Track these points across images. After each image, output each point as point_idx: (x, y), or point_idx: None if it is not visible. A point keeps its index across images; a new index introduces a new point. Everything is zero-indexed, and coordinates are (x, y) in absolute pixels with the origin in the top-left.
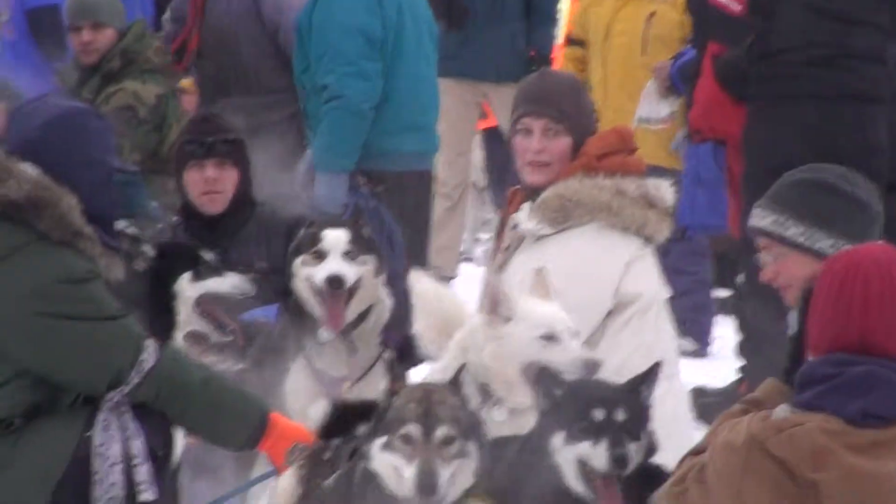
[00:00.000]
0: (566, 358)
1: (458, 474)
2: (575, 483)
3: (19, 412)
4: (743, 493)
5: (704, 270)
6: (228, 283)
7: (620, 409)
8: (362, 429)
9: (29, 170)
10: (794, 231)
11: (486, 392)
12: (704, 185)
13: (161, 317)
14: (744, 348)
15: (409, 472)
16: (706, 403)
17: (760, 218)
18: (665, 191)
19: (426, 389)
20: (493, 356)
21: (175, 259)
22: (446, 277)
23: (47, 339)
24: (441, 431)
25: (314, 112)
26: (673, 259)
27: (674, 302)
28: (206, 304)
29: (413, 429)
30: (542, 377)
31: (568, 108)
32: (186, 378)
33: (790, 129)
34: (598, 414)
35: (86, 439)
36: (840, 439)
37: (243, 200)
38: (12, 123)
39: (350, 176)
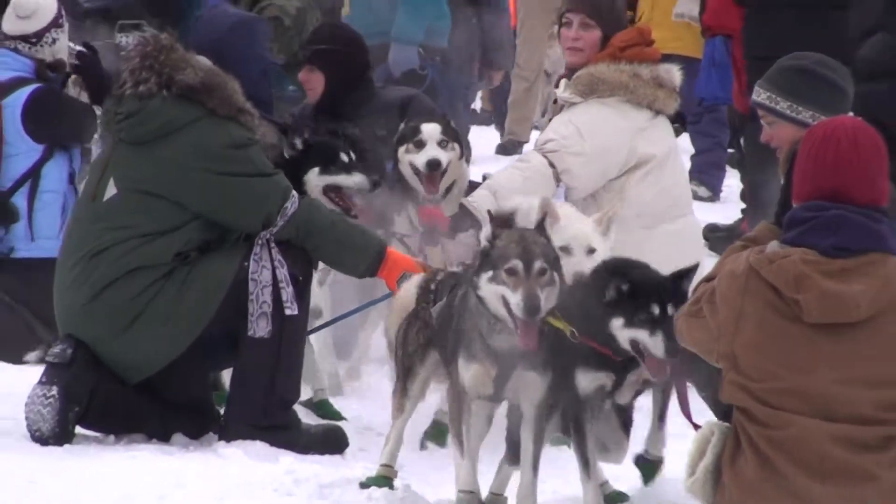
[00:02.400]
0: (571, 270)
1: (548, 298)
2: (627, 349)
3: (194, 247)
4: (743, 309)
5: (723, 136)
6: (352, 180)
7: (671, 304)
8: (463, 268)
9: (203, 60)
10: (783, 105)
11: None
12: (717, 67)
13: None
14: (745, 195)
15: (516, 298)
16: (717, 237)
17: (758, 95)
18: (674, 74)
19: (522, 232)
20: None
21: (316, 152)
22: (520, 142)
23: (216, 192)
24: (538, 264)
25: None
26: (702, 125)
27: (696, 158)
28: (329, 192)
29: (516, 263)
30: (615, 274)
31: (602, 7)
32: (320, 221)
33: (774, 28)
34: (655, 309)
35: (244, 267)
36: (816, 267)
37: (339, 93)
38: (197, 27)
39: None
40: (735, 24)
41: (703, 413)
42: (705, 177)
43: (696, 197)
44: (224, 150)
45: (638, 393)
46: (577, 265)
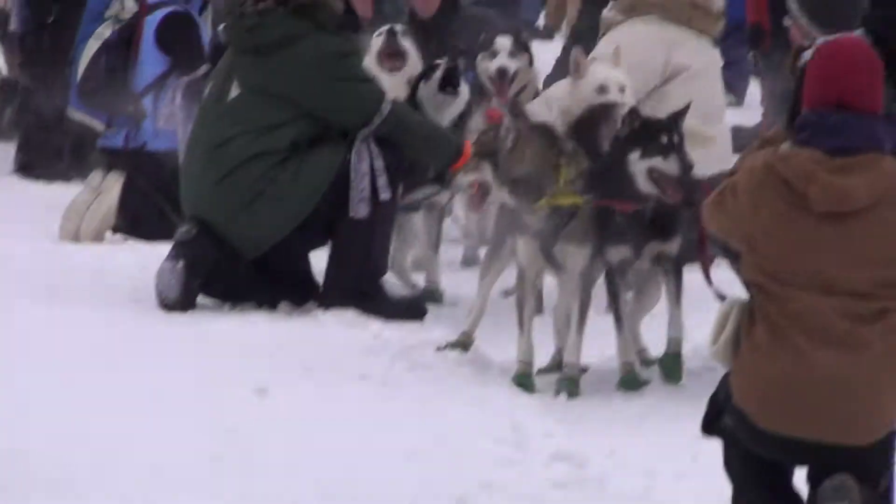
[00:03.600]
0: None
1: None
2: (644, 185)
3: (305, 139)
4: (760, 199)
5: (746, 50)
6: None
7: (675, 134)
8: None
9: None
10: (802, 21)
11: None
12: None
13: None
14: (763, 101)
15: None
16: (741, 137)
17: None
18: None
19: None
20: (569, 100)
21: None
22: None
23: (327, 94)
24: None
25: None
26: (729, 42)
27: (724, 68)
28: None
29: None
30: (629, 114)
31: None
32: (410, 121)
33: None
34: (664, 138)
35: (347, 160)
36: (822, 165)
37: (450, 7)
38: None
39: None
40: None
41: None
42: (733, 85)
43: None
44: (333, 59)
45: (656, 260)
46: (614, 99)
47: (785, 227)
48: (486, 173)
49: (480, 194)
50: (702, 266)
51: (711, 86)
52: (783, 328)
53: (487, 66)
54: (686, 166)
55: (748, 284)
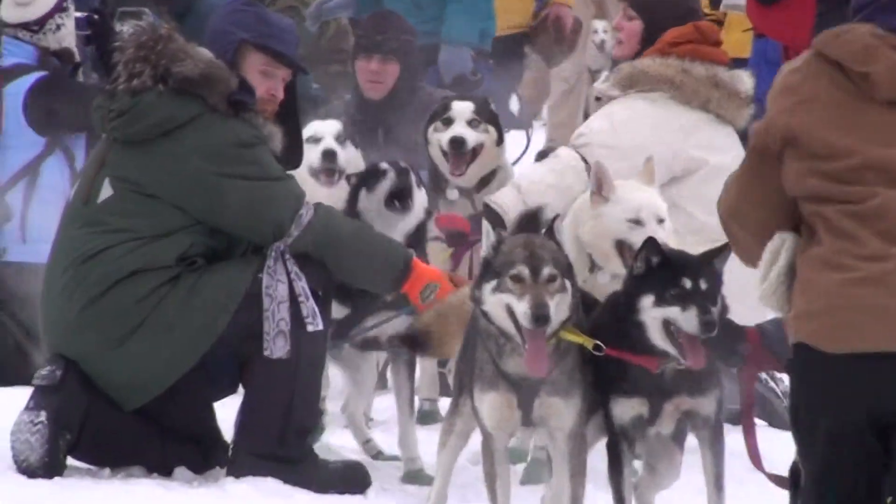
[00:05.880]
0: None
1: (559, 307)
2: (658, 339)
3: (199, 253)
4: (803, 94)
5: None
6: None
7: (704, 278)
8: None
9: (205, 52)
10: None
11: (590, 259)
12: (770, 63)
13: None
14: None
15: (522, 306)
16: None
17: None
18: (739, 78)
19: (528, 237)
20: (590, 232)
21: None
22: None
23: (218, 195)
24: (546, 270)
25: None
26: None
27: None
28: None
29: (522, 269)
30: (645, 245)
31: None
32: (339, 230)
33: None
34: (687, 283)
35: (258, 280)
36: (885, 40)
37: (404, 88)
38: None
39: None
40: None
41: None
42: None
43: None
44: (228, 150)
45: (681, 423)
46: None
47: (843, 117)
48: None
49: None
50: (744, 434)
51: None
52: (851, 231)
53: (439, 138)
54: (712, 323)
55: (799, 201)
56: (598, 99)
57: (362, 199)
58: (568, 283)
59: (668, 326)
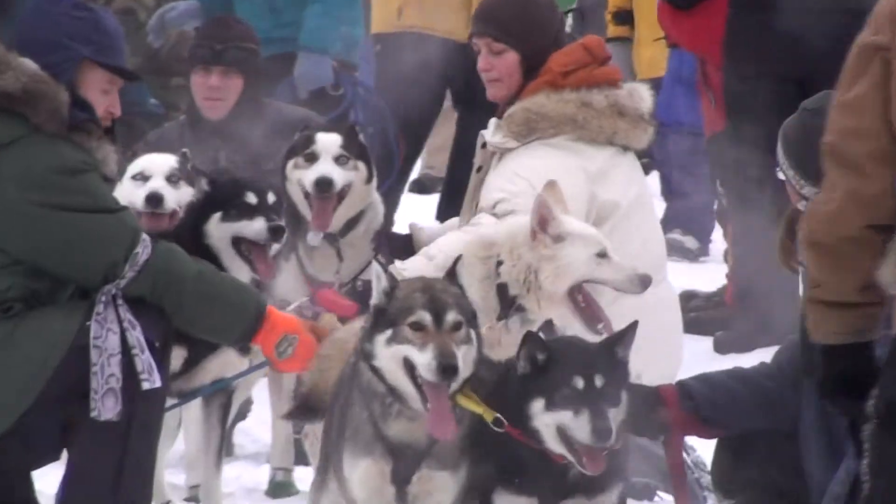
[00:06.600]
0: (620, 276)
1: (465, 360)
2: (554, 446)
3: (17, 297)
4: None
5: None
6: (255, 227)
7: (599, 375)
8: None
9: (28, 64)
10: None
11: (506, 299)
12: (684, 83)
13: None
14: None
15: (425, 357)
16: (695, 307)
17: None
18: (639, 97)
19: (426, 280)
20: (549, 275)
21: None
22: (440, 178)
23: (40, 229)
24: (451, 316)
25: None
26: (679, 158)
27: (678, 202)
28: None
29: (423, 315)
30: (527, 341)
31: (511, 25)
32: (181, 271)
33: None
34: (579, 382)
35: (85, 328)
36: None
37: (248, 105)
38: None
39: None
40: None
41: None
42: (692, 225)
43: (683, 248)
44: (52, 177)
45: None
46: (618, 270)
47: None
48: None
49: None
50: None
51: (648, 226)
52: None
53: (301, 177)
54: (606, 430)
55: None
56: (482, 146)
57: (212, 227)
58: (473, 334)
59: (562, 432)
